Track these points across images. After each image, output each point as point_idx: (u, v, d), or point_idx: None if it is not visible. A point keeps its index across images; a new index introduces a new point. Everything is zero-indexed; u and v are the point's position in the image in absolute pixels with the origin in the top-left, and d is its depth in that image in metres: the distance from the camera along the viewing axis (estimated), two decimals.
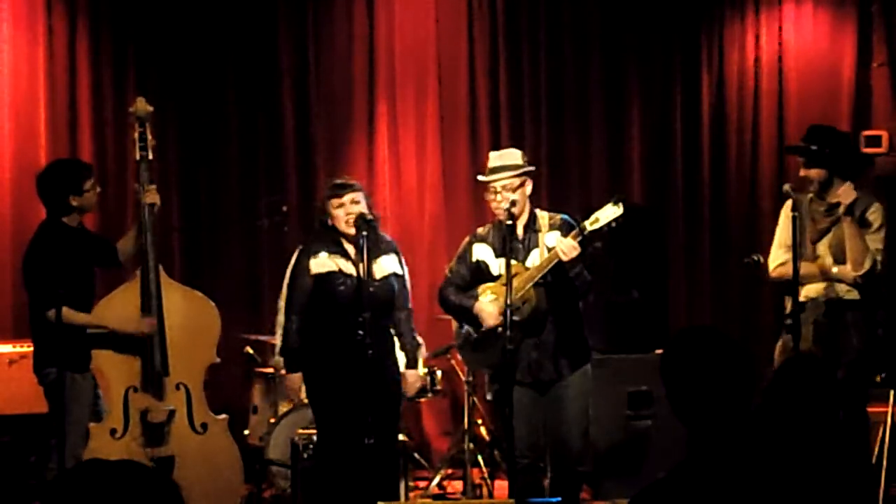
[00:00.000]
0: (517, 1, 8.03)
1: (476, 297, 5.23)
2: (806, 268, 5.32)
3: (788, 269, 5.28)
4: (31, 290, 5.34)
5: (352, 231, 5.21)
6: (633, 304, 6.94)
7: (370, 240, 5.18)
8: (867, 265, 5.28)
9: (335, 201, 5.30)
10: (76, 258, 5.33)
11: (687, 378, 2.65)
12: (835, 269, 5.31)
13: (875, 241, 5.33)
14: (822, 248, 5.38)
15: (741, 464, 2.54)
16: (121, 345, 5.30)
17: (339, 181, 5.47)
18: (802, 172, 5.47)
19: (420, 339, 5.54)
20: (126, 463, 2.06)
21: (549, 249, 5.03)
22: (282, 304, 5.41)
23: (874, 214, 5.37)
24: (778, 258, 5.53)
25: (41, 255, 5.29)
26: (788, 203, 5.57)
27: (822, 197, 5.41)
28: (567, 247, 4.92)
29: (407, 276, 5.51)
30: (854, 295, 5.38)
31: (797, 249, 5.14)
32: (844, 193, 5.31)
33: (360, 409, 5.08)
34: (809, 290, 5.38)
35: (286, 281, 5.42)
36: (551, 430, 5.19)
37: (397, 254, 5.47)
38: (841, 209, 5.29)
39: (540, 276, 5.02)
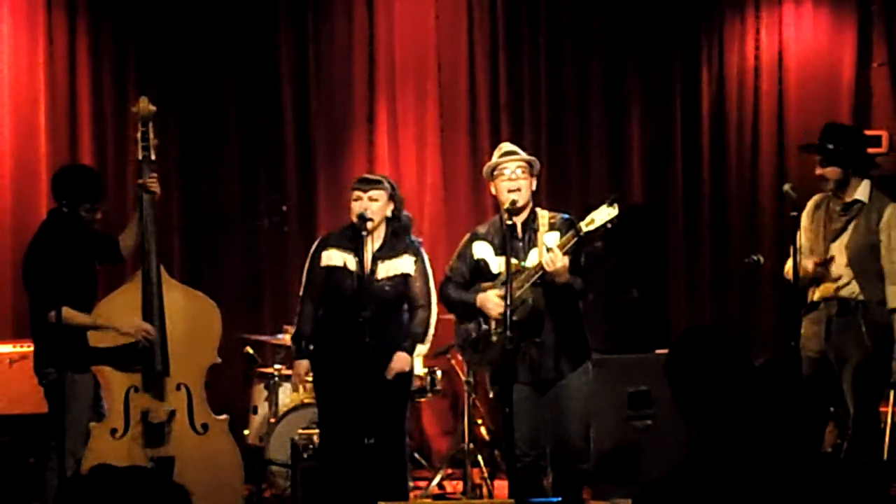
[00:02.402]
0: (517, 1, 8.03)
1: (478, 292, 5.24)
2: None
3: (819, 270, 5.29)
4: (31, 289, 5.33)
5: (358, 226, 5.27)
6: (633, 304, 6.94)
7: (384, 238, 5.34)
8: None
9: (355, 193, 5.40)
10: (77, 256, 5.32)
11: (692, 377, 2.65)
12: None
13: None
14: (837, 248, 5.33)
15: (745, 463, 2.54)
16: (122, 351, 5.29)
17: (367, 175, 5.65)
18: (818, 171, 5.41)
19: (428, 336, 5.54)
20: (136, 469, 2.06)
21: (548, 249, 5.04)
22: (301, 292, 5.57)
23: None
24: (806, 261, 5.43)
25: (42, 255, 5.28)
26: (810, 203, 5.53)
27: (839, 196, 5.37)
28: (548, 259, 4.94)
29: (430, 276, 5.53)
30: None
31: (797, 250, 5.12)
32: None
33: (362, 408, 5.09)
34: (821, 290, 5.35)
35: (305, 270, 5.59)
36: (552, 428, 5.19)
37: (417, 255, 5.50)
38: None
39: (532, 280, 5.03)
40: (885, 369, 5.35)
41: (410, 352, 5.50)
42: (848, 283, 5.29)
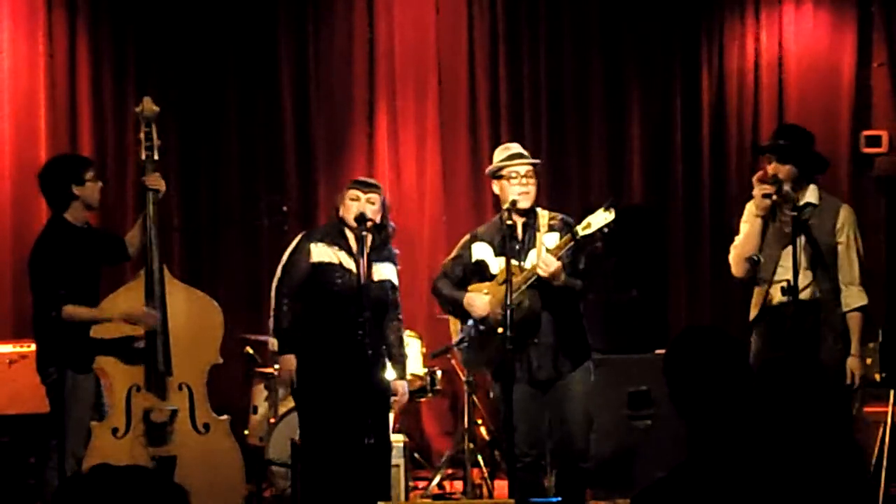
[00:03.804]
0: (517, 1, 8.03)
1: (467, 290, 5.26)
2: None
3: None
4: (35, 290, 5.33)
5: (354, 225, 5.24)
6: (633, 304, 6.95)
7: (372, 243, 5.28)
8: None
9: (354, 193, 5.34)
10: (82, 258, 5.32)
11: (690, 377, 2.66)
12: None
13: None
14: (787, 252, 5.28)
15: (743, 463, 2.54)
16: (125, 344, 5.30)
17: (365, 179, 5.63)
18: (771, 169, 5.37)
19: (405, 352, 5.57)
20: (135, 468, 2.07)
21: (548, 250, 5.04)
22: (274, 285, 5.39)
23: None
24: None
25: (46, 256, 5.27)
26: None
27: (789, 199, 5.33)
28: (542, 263, 4.96)
29: (398, 290, 5.52)
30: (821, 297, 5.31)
31: (797, 252, 5.10)
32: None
33: (355, 408, 5.09)
34: (778, 294, 5.29)
35: (282, 263, 5.42)
36: (554, 428, 5.20)
37: (395, 265, 5.48)
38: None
39: (528, 282, 5.03)
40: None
41: (405, 376, 5.54)
42: (808, 287, 5.25)
